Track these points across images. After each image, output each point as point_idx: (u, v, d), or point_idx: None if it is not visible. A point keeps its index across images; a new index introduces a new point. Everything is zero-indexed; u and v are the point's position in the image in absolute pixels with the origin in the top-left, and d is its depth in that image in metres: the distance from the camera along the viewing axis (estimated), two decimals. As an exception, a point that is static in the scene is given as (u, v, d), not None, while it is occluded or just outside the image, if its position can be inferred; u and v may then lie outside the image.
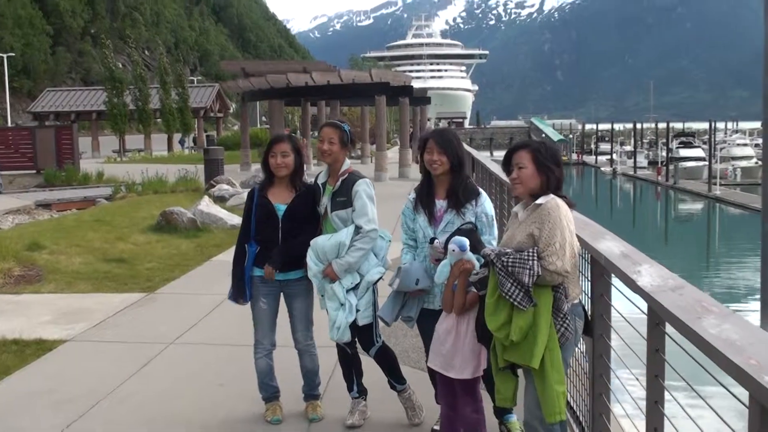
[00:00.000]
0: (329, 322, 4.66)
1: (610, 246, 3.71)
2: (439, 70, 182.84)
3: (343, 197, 4.67)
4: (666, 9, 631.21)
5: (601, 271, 3.85)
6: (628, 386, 3.86)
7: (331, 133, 4.74)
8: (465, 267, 4.04)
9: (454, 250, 4.00)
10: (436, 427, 4.75)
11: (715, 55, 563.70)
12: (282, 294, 5.01)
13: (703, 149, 61.09)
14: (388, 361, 4.89)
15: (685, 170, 52.82)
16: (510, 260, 3.56)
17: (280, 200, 4.89)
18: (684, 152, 59.97)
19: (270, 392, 5.13)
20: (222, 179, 19.47)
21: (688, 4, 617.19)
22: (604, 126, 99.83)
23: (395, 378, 4.93)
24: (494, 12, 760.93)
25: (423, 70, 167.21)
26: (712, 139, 53.89)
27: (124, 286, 9.35)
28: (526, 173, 3.75)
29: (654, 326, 2.91)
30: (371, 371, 5.09)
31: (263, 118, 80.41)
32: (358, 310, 4.62)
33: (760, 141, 69.83)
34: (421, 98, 35.85)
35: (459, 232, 4.30)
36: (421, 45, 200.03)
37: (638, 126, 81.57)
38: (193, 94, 52.90)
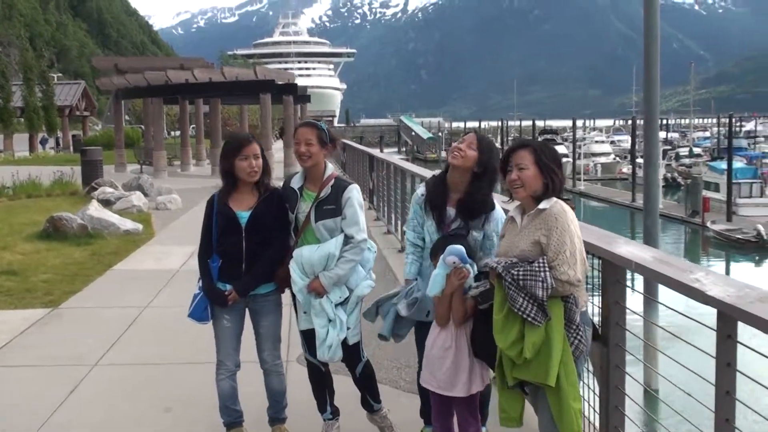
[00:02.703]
0: (317, 340, 4.19)
1: (633, 251, 3.51)
2: (307, 69, 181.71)
3: (332, 205, 4.19)
4: (524, 11, 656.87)
5: (615, 277, 3.67)
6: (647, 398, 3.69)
7: (308, 134, 4.23)
8: (464, 276, 3.75)
9: (454, 262, 3.69)
10: (419, 445, 4.46)
11: (570, 56, 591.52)
12: (247, 310, 4.54)
13: (565, 146, 63.86)
14: (370, 379, 4.54)
15: (550, 166, 54.88)
16: (521, 273, 3.28)
17: (243, 207, 4.39)
18: (548, 149, 62.27)
19: (233, 417, 4.64)
20: (104, 182, 18.30)
21: (545, 6, 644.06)
22: (472, 124, 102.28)
23: (373, 396, 4.59)
24: (360, 11, 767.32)
25: (291, 69, 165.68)
26: (575, 137, 56.58)
27: (22, 300, 8.45)
28: (528, 175, 3.46)
29: (725, 338, 2.72)
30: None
31: (126, 117, 77.25)
32: (348, 328, 4.21)
33: (615, 138, 74.55)
34: (302, 96, 35.30)
35: (449, 238, 3.98)
36: (288, 43, 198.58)
37: (504, 124, 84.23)
38: (57, 92, 50.18)
